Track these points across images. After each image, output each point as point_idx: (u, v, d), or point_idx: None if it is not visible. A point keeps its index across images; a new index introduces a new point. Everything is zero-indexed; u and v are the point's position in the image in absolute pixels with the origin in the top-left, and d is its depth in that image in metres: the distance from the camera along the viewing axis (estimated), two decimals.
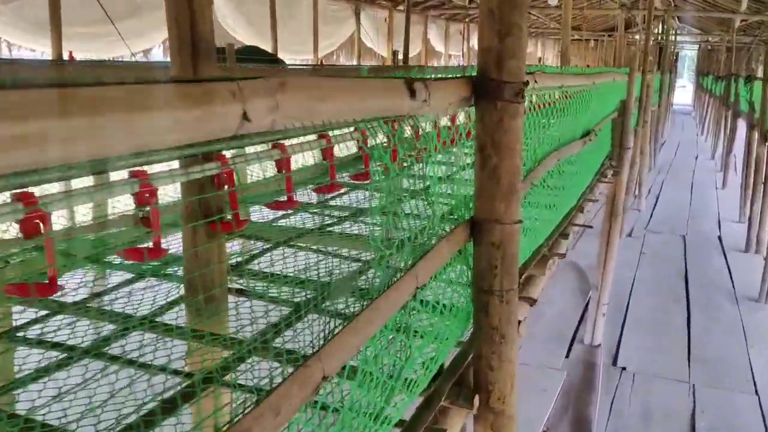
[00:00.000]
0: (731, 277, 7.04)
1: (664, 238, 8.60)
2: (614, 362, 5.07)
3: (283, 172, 2.09)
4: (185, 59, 1.85)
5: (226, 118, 0.73)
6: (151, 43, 8.87)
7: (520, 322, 1.89)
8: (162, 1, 1.90)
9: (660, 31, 21.15)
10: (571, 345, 5.33)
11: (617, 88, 4.79)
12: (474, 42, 19.78)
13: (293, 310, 1.92)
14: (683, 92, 39.31)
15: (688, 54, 42.88)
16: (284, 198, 2.16)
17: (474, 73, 1.52)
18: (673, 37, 20.30)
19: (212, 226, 1.90)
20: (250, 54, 9.15)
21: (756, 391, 4.69)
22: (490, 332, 1.60)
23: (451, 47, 18.22)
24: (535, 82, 2.09)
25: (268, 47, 10.56)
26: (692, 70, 43.55)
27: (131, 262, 2.02)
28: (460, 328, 1.65)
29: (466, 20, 18.65)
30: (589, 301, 5.95)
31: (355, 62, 13.94)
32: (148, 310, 1.93)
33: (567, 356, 5.14)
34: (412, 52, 15.78)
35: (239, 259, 2.35)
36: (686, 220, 9.65)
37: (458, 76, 1.45)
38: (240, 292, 2.08)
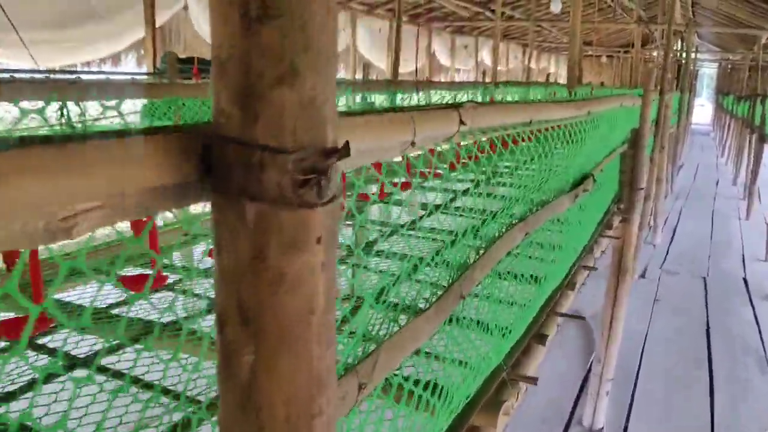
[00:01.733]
0: (761, 337, 6.00)
1: (682, 281, 7.57)
2: None
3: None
4: None
5: None
6: (102, 53, 8.02)
7: None
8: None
9: (679, 48, 20.14)
10: (567, 428, 4.34)
11: (628, 113, 3.84)
12: (484, 56, 18.98)
13: None
14: (701, 111, 38.24)
15: (707, 72, 41.87)
16: None
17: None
18: (693, 54, 19.29)
19: None
20: None
21: None
22: None
23: (459, 61, 17.34)
24: (462, 124, 1.15)
25: None
26: (711, 88, 42.54)
27: None
28: None
29: (475, 33, 17.82)
30: (592, 363, 4.95)
31: (354, 75, 13.10)
32: None
33: None
34: (413, 66, 14.94)
35: None
36: (707, 258, 8.61)
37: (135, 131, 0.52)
38: None
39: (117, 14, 8.03)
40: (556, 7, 8.73)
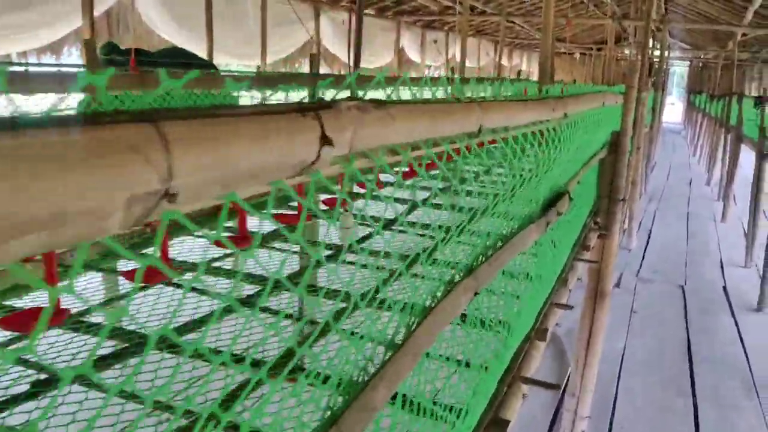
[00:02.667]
0: (746, 354, 5.56)
1: (660, 290, 7.14)
2: None
3: None
4: None
5: None
6: (38, 42, 7.35)
7: None
8: None
9: (652, 45, 19.86)
10: None
11: (609, 114, 3.32)
12: (455, 51, 18.54)
13: None
14: (672, 109, 38.37)
15: (677, 70, 42.10)
16: None
17: None
18: (666, 52, 19.01)
19: None
20: (172, 56, 7.66)
21: None
22: None
23: (428, 57, 16.83)
24: (325, 143, 0.58)
25: (202, 49, 9.07)
26: (681, 87, 42.78)
27: None
28: None
29: (446, 28, 17.35)
30: (564, 394, 4.45)
31: (323, 69, 12.50)
32: None
33: None
34: (381, 62, 14.41)
35: None
36: (684, 264, 8.21)
37: None
38: None
39: (54, 1, 7.36)
40: None
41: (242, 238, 2.91)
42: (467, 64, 20.32)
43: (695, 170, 17.00)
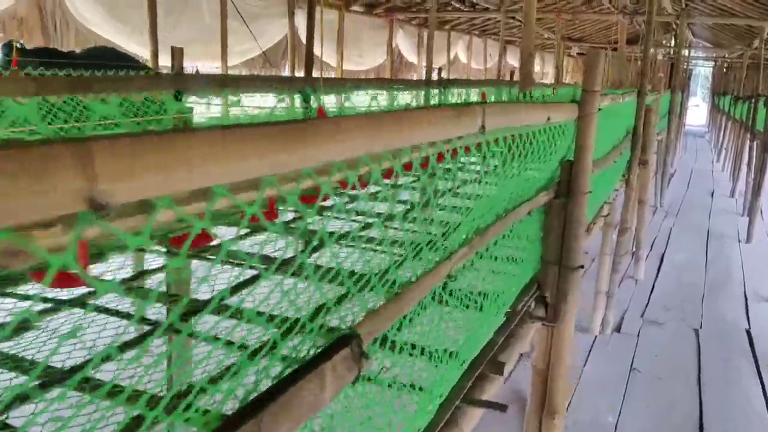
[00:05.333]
0: None
1: (669, 336, 5.86)
2: None
3: None
4: None
5: None
6: None
7: None
8: None
9: (672, 44, 18.42)
10: None
11: (555, 135, 2.12)
12: (458, 51, 17.36)
13: None
14: (696, 111, 36.67)
15: (702, 72, 40.35)
16: None
17: None
18: (687, 51, 17.59)
19: None
20: (102, 58, 6.64)
21: None
22: None
23: (426, 58, 15.62)
24: None
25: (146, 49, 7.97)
26: (706, 88, 41.05)
27: None
28: None
29: (446, 27, 16.13)
30: None
31: (294, 71, 11.40)
32: None
33: None
34: (372, 63, 13.28)
35: None
36: (701, 298, 6.92)
37: None
38: None
39: None
40: None
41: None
42: (473, 65, 19.03)
43: (718, 178, 15.56)
